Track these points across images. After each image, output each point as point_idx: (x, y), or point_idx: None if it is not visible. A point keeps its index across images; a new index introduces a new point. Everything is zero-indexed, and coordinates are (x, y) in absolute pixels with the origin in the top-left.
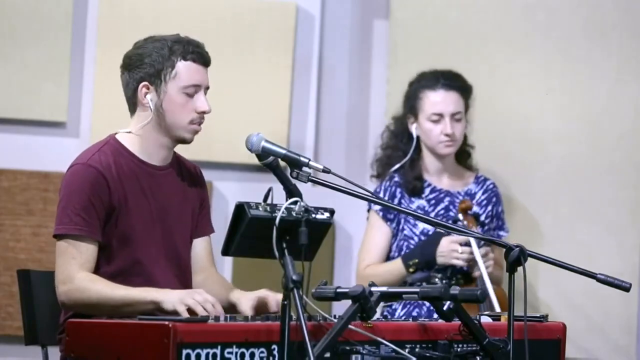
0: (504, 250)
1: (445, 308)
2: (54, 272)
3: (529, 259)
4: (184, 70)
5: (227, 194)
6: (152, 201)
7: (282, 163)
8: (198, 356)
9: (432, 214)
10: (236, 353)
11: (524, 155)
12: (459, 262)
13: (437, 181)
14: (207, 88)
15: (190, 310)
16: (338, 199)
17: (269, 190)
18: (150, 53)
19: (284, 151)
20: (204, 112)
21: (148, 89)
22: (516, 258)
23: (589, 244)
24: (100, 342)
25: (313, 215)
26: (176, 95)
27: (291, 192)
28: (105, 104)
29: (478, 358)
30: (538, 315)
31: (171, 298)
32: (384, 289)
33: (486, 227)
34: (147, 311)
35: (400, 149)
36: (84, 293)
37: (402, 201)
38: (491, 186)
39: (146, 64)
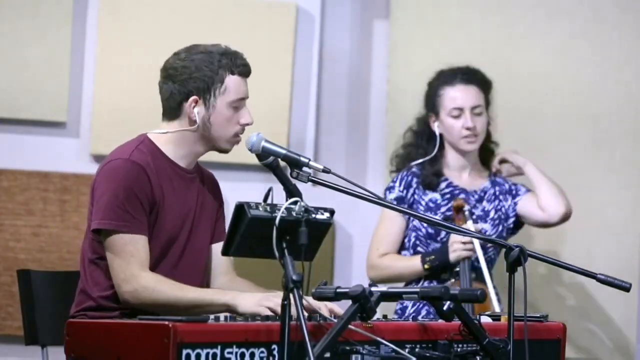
0: (505, 249)
1: (445, 308)
2: (53, 272)
3: (529, 259)
4: (233, 85)
5: (227, 194)
6: (182, 203)
7: (282, 163)
8: (198, 356)
9: (444, 209)
10: (236, 353)
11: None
12: (469, 253)
13: (456, 177)
14: (247, 98)
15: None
16: (338, 199)
17: (269, 190)
18: (200, 66)
19: (284, 151)
20: (247, 124)
21: (196, 102)
22: (516, 258)
23: (589, 244)
24: (100, 342)
25: (313, 215)
26: (224, 110)
27: (291, 192)
28: (105, 104)
29: (478, 358)
30: (538, 315)
31: (247, 303)
32: (384, 288)
33: (498, 219)
34: (217, 312)
35: (421, 147)
36: (152, 293)
37: (416, 192)
38: (501, 181)
39: (196, 78)
